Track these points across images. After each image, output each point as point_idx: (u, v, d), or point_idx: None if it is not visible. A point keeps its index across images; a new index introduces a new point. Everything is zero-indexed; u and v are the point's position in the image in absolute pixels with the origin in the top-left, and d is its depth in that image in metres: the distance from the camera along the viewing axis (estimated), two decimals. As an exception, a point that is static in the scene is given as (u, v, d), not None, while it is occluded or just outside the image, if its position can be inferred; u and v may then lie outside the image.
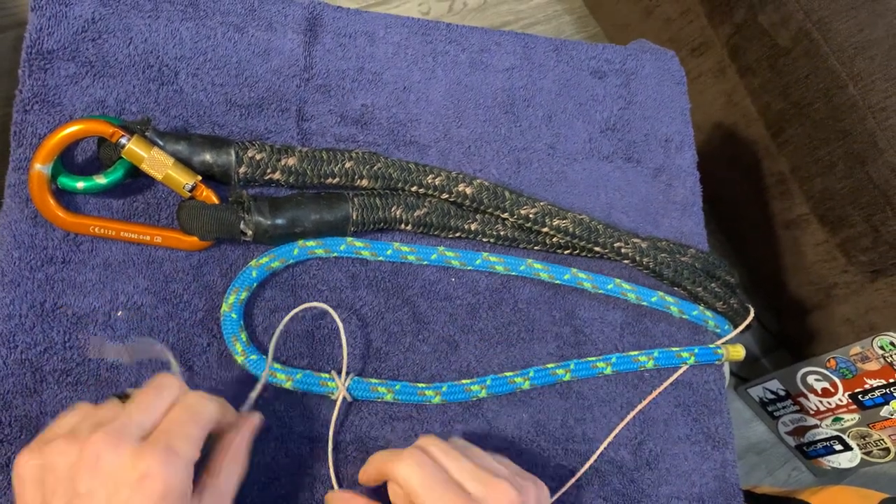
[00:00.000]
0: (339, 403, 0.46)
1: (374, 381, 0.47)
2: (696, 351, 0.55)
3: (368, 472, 0.43)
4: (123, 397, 0.37)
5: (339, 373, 0.47)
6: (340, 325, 0.47)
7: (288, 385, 0.46)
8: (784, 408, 1.26)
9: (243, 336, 0.45)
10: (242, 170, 0.47)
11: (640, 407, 0.53)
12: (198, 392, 0.37)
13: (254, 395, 0.43)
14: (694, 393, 0.55)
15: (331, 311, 0.47)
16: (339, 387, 0.46)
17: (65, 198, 0.46)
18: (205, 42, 0.52)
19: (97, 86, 0.48)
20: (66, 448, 0.33)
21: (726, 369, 0.57)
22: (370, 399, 0.47)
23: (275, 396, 0.46)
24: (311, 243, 0.48)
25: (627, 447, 0.52)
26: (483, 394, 0.49)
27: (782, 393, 1.24)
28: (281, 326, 0.45)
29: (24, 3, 1.14)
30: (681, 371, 0.55)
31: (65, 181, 0.44)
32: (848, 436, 1.19)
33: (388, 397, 0.47)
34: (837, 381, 1.14)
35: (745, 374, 1.34)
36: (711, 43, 1.16)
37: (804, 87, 1.03)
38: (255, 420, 0.40)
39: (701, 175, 0.62)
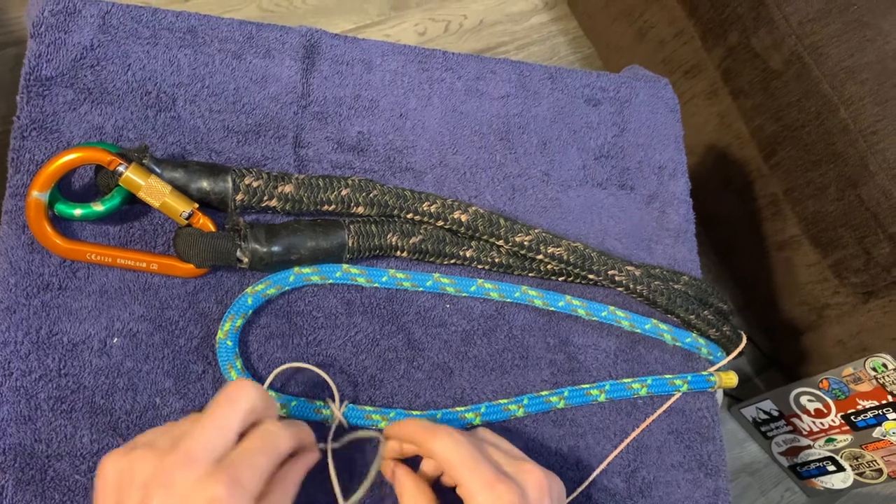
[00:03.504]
0: (332, 429, 0.46)
1: (368, 408, 0.47)
2: (690, 378, 0.55)
3: (402, 433, 0.44)
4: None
5: (333, 400, 0.47)
6: (330, 380, 0.47)
7: (283, 413, 0.46)
8: (777, 428, 1.27)
9: (238, 363, 0.45)
10: (239, 197, 0.47)
11: (633, 434, 0.54)
12: (276, 422, 0.38)
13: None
14: (687, 420, 0.55)
15: (316, 369, 0.47)
16: (333, 414, 0.46)
17: (61, 224, 0.46)
18: (203, 69, 0.52)
19: (95, 112, 0.49)
20: (145, 458, 0.34)
21: (719, 391, 0.58)
22: (365, 427, 0.47)
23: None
24: (306, 270, 0.48)
25: (621, 475, 0.53)
26: (477, 421, 0.50)
27: (775, 413, 1.25)
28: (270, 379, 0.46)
29: (21, 21, 1.15)
30: (674, 398, 0.55)
31: (62, 208, 0.45)
32: (841, 457, 1.20)
33: (383, 425, 0.47)
34: (830, 401, 1.14)
35: (738, 394, 1.34)
36: (704, 65, 1.17)
37: (796, 110, 1.04)
38: (315, 456, 0.41)
39: (693, 196, 0.63)
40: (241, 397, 0.36)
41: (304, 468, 0.40)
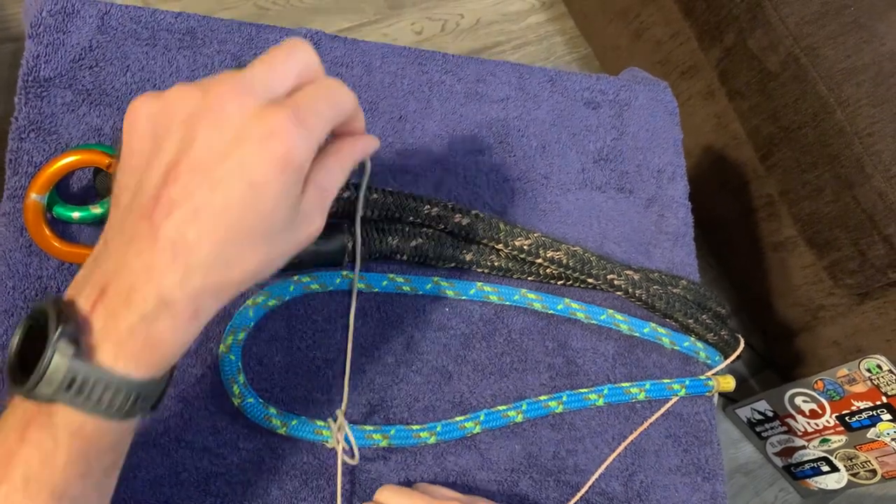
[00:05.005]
0: (340, 453, 0.45)
1: (368, 428, 0.47)
2: (687, 383, 0.55)
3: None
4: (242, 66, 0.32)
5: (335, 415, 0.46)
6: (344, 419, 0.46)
7: (283, 431, 0.45)
8: (772, 428, 1.27)
9: (241, 378, 0.45)
10: (238, 200, 0.47)
11: (630, 438, 0.54)
12: (335, 79, 0.32)
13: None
14: (684, 424, 0.56)
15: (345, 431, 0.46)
16: (333, 435, 0.45)
17: (60, 227, 0.45)
18: (202, 71, 0.52)
19: (94, 114, 0.48)
20: (188, 93, 0.29)
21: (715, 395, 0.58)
22: (366, 446, 0.47)
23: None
24: (306, 279, 0.48)
25: (619, 479, 0.53)
26: (477, 430, 0.49)
27: (770, 414, 1.25)
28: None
29: (18, 17, 1.14)
30: (672, 402, 0.55)
31: (60, 211, 0.44)
32: (835, 457, 1.20)
33: (384, 444, 0.47)
34: (825, 402, 1.15)
35: (733, 394, 1.34)
36: (701, 66, 1.17)
37: (793, 112, 1.04)
38: (375, 143, 0.36)
39: (690, 198, 0.63)
40: (302, 49, 0.31)
41: (361, 148, 0.34)
